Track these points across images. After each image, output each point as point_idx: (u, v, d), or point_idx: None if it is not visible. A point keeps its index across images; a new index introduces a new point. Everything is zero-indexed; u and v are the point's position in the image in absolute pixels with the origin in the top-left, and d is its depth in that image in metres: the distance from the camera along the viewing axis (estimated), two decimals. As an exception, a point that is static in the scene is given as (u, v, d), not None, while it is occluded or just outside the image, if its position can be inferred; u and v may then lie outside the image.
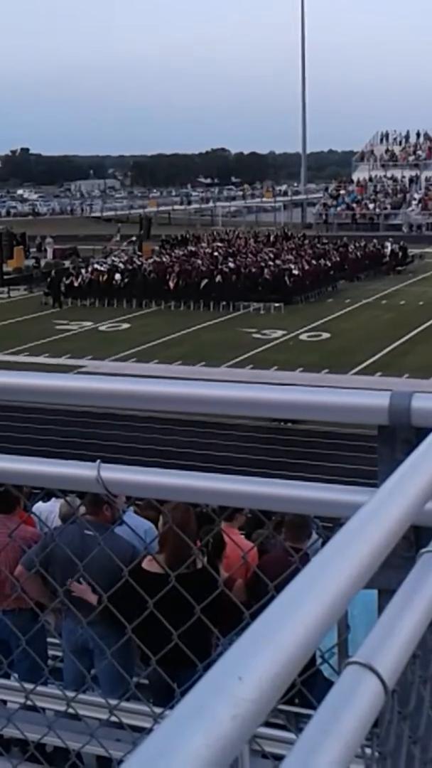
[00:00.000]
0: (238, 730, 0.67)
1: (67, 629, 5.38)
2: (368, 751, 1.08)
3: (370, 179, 74.00)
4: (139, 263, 45.23)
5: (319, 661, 3.06)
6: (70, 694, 3.14)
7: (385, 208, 68.97)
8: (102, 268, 43.89)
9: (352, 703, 0.80)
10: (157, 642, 2.40)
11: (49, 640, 5.74)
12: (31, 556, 5.26)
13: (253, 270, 40.92)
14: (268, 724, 3.55)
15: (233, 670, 0.71)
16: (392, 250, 50.47)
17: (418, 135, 79.56)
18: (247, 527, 7.96)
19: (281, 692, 0.74)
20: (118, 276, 42.06)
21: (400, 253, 50.57)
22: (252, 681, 0.70)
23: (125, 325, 36.54)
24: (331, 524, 1.55)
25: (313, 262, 43.69)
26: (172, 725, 0.64)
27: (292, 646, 0.76)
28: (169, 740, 0.63)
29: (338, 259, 45.80)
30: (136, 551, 4.91)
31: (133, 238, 55.15)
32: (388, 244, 51.01)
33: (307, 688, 1.83)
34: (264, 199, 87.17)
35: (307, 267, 42.24)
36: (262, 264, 42.03)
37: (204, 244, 53.17)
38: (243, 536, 7.44)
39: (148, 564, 4.83)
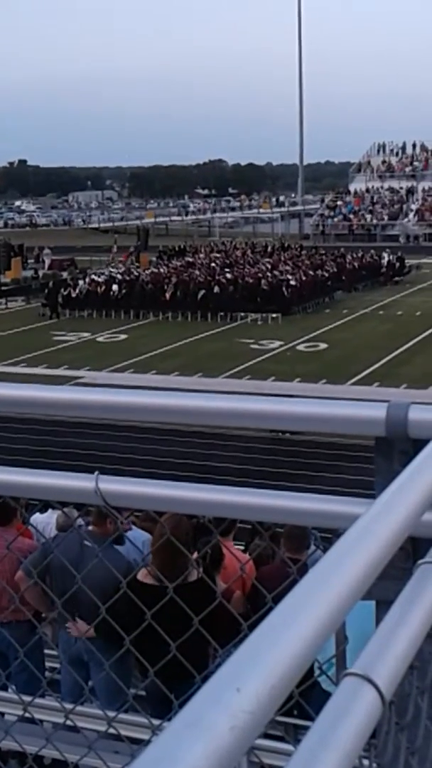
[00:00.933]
0: (237, 741, 0.67)
1: (63, 641, 5.38)
2: (366, 762, 1.08)
3: (367, 190, 74.18)
4: (136, 274, 45.28)
5: (317, 672, 3.06)
6: (68, 706, 3.13)
7: (382, 219, 69.14)
8: (99, 279, 43.94)
9: (350, 715, 0.80)
10: (153, 653, 2.39)
11: (47, 651, 5.73)
12: (31, 562, 5.25)
13: (251, 281, 40.97)
14: (266, 736, 3.54)
15: (231, 682, 0.71)
16: (389, 261, 50.56)
17: (414, 146, 79.80)
18: (246, 538, 7.95)
19: (279, 704, 0.74)
20: (115, 287, 42.10)
21: (398, 264, 50.65)
22: (250, 692, 0.70)
23: (123, 336, 36.56)
24: (329, 535, 1.56)
25: (311, 272, 43.75)
26: (170, 737, 0.65)
27: (289, 658, 0.76)
28: (167, 752, 0.63)
29: (335, 269, 45.87)
30: (131, 566, 4.91)
31: (132, 249, 55.21)
32: (386, 255, 51.10)
33: (305, 699, 1.83)
34: (261, 210, 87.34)
35: (304, 278, 42.29)
36: (260, 275, 42.08)
37: (201, 255, 53.24)
38: (242, 547, 7.43)
39: (143, 575, 4.83)
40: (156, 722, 2.79)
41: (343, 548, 0.96)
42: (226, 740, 0.66)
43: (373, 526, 1.03)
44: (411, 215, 69.52)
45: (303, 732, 0.74)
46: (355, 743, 0.77)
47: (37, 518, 7.38)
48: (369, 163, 78.85)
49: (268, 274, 42.33)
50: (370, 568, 0.95)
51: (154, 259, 53.28)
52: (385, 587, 1.19)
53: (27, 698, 2.96)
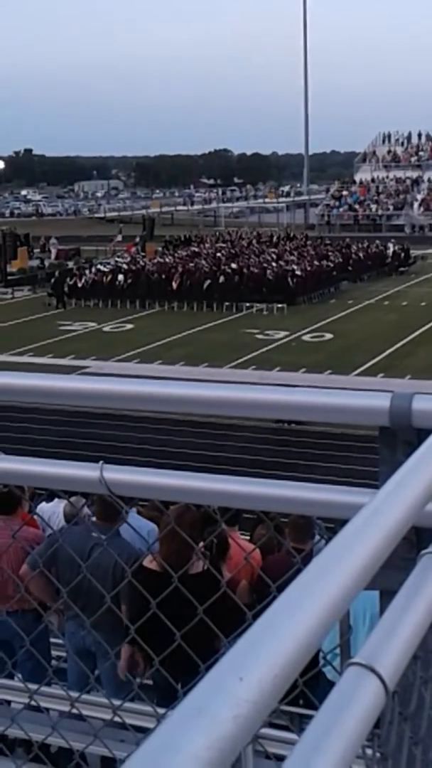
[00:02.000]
0: (239, 730, 0.67)
1: (69, 632, 5.39)
2: (369, 751, 1.09)
3: (373, 180, 73.95)
4: (142, 264, 45.24)
5: (321, 662, 3.06)
6: (74, 694, 3.15)
7: (388, 209, 68.94)
8: (105, 269, 43.91)
9: (353, 704, 0.80)
10: (159, 643, 2.40)
11: (53, 640, 5.75)
12: (37, 555, 5.26)
13: (256, 271, 40.91)
14: (271, 725, 3.56)
15: (234, 671, 0.71)
16: (395, 251, 50.44)
17: (420, 136, 79.49)
18: (250, 529, 7.96)
19: (282, 693, 0.74)
20: (121, 277, 42.07)
21: (403, 254, 50.54)
22: (253, 682, 0.70)
23: (129, 326, 36.56)
24: (333, 525, 1.56)
25: (316, 263, 43.68)
26: (172, 726, 0.65)
27: (293, 647, 0.76)
28: (169, 740, 0.63)
29: (341, 260, 45.78)
30: (139, 554, 4.91)
31: (137, 239, 55.11)
32: (391, 245, 50.97)
33: (309, 689, 1.83)
34: (267, 200, 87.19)
35: (309, 268, 42.23)
36: (265, 265, 42.02)
37: (207, 245, 53.16)
38: (247, 538, 7.44)
39: (148, 562, 4.84)
40: (161, 711, 2.80)
41: (347, 538, 0.96)
42: (228, 729, 0.66)
43: (377, 516, 1.03)
44: (416, 205, 69.30)
45: (308, 721, 0.74)
46: (358, 733, 0.77)
47: (43, 507, 7.39)
48: (374, 153, 78.57)
49: (274, 264, 42.26)
50: (374, 557, 0.95)
51: (159, 248, 53.20)
52: (388, 577, 1.19)
53: (33, 686, 2.97)
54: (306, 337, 33.06)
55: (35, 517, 6.09)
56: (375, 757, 1.11)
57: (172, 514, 4.37)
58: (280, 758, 2.88)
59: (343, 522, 1.04)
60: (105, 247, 55.84)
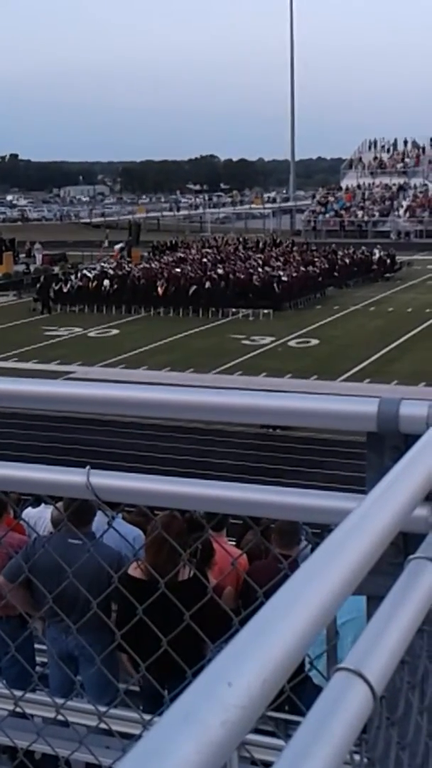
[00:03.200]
0: (228, 735, 0.67)
1: (51, 637, 5.37)
2: (357, 757, 1.09)
3: (359, 186, 74.23)
4: (128, 269, 45.21)
5: (308, 667, 3.06)
6: (60, 701, 3.13)
7: (374, 216, 69.21)
8: (91, 275, 43.86)
9: (341, 709, 0.80)
10: (145, 649, 2.39)
11: (36, 646, 5.73)
12: (13, 566, 5.22)
13: (242, 276, 40.96)
14: (257, 731, 3.55)
15: (222, 676, 0.71)
16: (380, 257, 50.60)
17: (405, 143, 79.88)
18: (237, 534, 7.96)
19: (270, 698, 0.74)
20: (107, 282, 42.03)
21: (389, 260, 50.69)
22: (241, 687, 0.70)
23: (114, 331, 36.52)
24: (320, 530, 1.56)
25: (302, 268, 43.76)
26: (161, 731, 0.65)
27: (280, 652, 0.76)
28: (158, 746, 0.63)
29: (327, 265, 45.89)
30: (123, 559, 4.90)
31: (122, 244, 55.07)
32: (377, 251, 51.14)
33: (296, 694, 1.83)
34: (253, 206, 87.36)
35: (295, 273, 42.30)
36: (251, 270, 42.06)
37: (193, 251, 53.18)
38: (234, 543, 7.44)
39: (133, 570, 4.83)
40: (147, 717, 2.79)
41: (335, 543, 0.96)
42: (217, 734, 0.66)
43: (364, 522, 1.03)
44: (402, 211, 69.59)
45: (294, 727, 0.74)
46: (346, 738, 0.77)
47: (29, 512, 7.37)
48: (360, 159, 78.88)
49: (260, 270, 42.31)
50: (361, 563, 0.96)
51: (145, 254, 53.18)
52: (376, 582, 1.19)
53: (18, 693, 2.96)
54: (292, 343, 33.10)
55: (21, 522, 6.07)
56: (363, 763, 1.11)
57: (159, 522, 4.37)
58: (267, 764, 2.87)
59: (330, 528, 1.04)
60: (91, 252, 55.79)
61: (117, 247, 52.50)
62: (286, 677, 0.77)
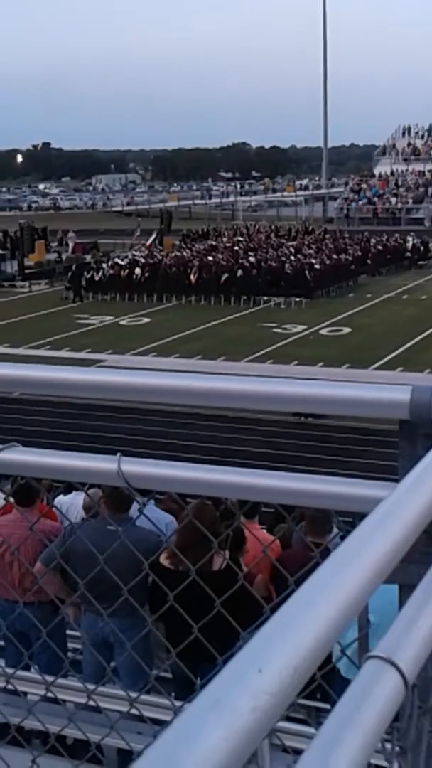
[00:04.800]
0: (258, 722, 0.67)
1: (87, 622, 5.40)
2: (388, 745, 1.08)
3: (392, 173, 73.63)
4: (159, 258, 45.23)
5: (339, 655, 3.05)
6: (91, 686, 3.15)
7: (407, 203, 68.63)
8: (122, 263, 43.93)
9: (372, 698, 0.80)
10: (178, 636, 2.40)
11: (69, 632, 5.77)
12: (51, 552, 5.26)
13: (274, 264, 40.83)
14: (288, 719, 3.55)
15: (253, 663, 0.71)
16: (414, 245, 50.22)
17: (440, 129, 79.09)
18: (268, 522, 7.97)
19: (300, 685, 0.74)
20: (138, 270, 42.08)
21: (422, 248, 50.31)
22: (271, 674, 0.70)
23: (145, 320, 36.58)
24: (351, 519, 1.55)
25: (334, 256, 43.53)
26: (190, 717, 0.64)
27: (311, 640, 0.76)
28: (187, 732, 0.63)
29: (359, 253, 45.62)
30: (162, 543, 4.92)
31: (154, 235, 55.06)
32: (410, 239, 50.75)
33: (327, 682, 1.83)
34: (285, 194, 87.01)
35: (328, 261, 42.09)
36: (283, 258, 41.92)
37: (225, 239, 53.09)
38: (265, 531, 7.44)
39: (165, 559, 4.85)
40: (178, 704, 2.80)
41: (367, 531, 0.96)
42: (247, 721, 0.66)
43: (397, 510, 1.02)
44: (436, 198, 68.94)
45: (325, 715, 0.74)
46: (377, 726, 0.77)
47: (61, 500, 7.42)
48: (394, 146, 78.22)
49: (292, 257, 42.15)
50: (393, 551, 0.95)
51: (177, 242, 53.15)
52: (408, 571, 1.18)
53: (49, 678, 2.98)
54: (324, 331, 32.97)
55: (53, 509, 6.11)
56: (394, 751, 1.10)
57: (191, 510, 4.37)
58: (298, 752, 2.87)
59: (362, 516, 1.03)
60: (122, 240, 55.85)
61: (149, 241, 52.46)
62: (317, 665, 0.76)
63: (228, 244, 49.19)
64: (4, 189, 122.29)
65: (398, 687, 0.83)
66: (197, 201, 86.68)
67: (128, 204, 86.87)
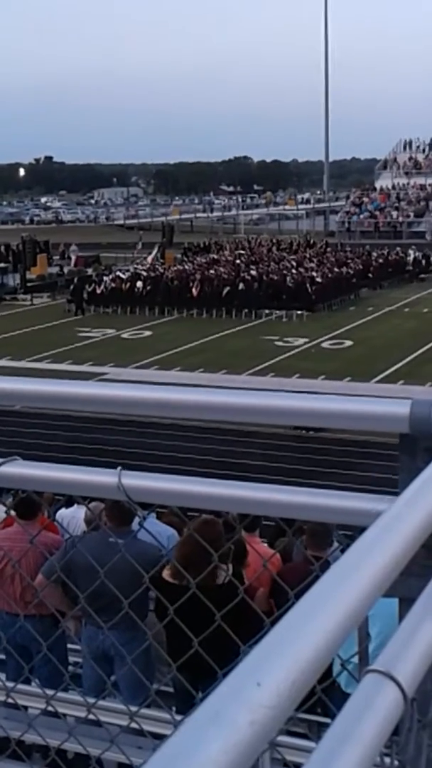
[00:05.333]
0: (256, 736, 0.67)
1: (87, 636, 5.39)
2: (387, 759, 1.08)
3: (393, 187, 73.75)
4: (161, 271, 45.31)
5: (337, 669, 3.05)
6: (91, 700, 3.15)
7: (408, 216, 68.72)
8: (124, 276, 44.02)
9: (372, 711, 0.80)
10: (179, 650, 2.40)
11: (69, 646, 5.76)
12: (52, 564, 5.25)
13: (276, 278, 40.88)
14: (289, 733, 3.54)
15: (251, 677, 0.71)
16: (415, 258, 50.29)
17: (441, 143, 79.26)
18: (269, 536, 7.95)
19: (299, 699, 0.74)
20: (140, 283, 42.15)
21: (423, 261, 50.38)
22: (270, 687, 0.70)
23: (147, 333, 36.61)
24: (351, 532, 1.55)
25: (336, 269, 43.60)
26: (189, 731, 0.65)
27: (310, 653, 0.76)
28: (186, 745, 0.63)
29: (361, 267, 45.70)
30: (162, 555, 4.91)
31: (155, 251, 55.15)
32: (411, 252, 50.83)
33: (328, 696, 1.82)
34: (286, 207, 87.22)
35: (329, 275, 42.15)
36: (285, 272, 41.97)
37: (226, 252, 53.17)
38: (266, 545, 7.43)
39: (167, 574, 4.84)
40: (178, 717, 2.80)
41: (365, 545, 0.96)
42: (245, 735, 0.66)
43: (396, 523, 1.03)
44: (437, 212, 69.04)
45: (326, 730, 0.73)
46: (376, 740, 0.77)
47: (62, 513, 7.41)
48: (395, 159, 78.38)
49: (293, 271, 42.21)
50: (392, 564, 0.95)
51: (179, 255, 53.25)
52: (407, 584, 1.18)
53: (50, 692, 2.98)
54: (325, 344, 32.99)
55: (54, 522, 6.10)
56: (393, 765, 1.10)
57: (194, 525, 4.37)
58: (298, 766, 2.87)
59: (362, 529, 1.03)
60: (124, 254, 55.97)
61: (150, 257, 52.52)
62: (316, 678, 0.77)
63: (230, 258, 49.28)
64: (5, 203, 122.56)
65: (397, 701, 0.83)
66: (199, 214, 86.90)
67: (132, 217, 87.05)
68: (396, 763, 1.11)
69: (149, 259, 51.74)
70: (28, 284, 47.28)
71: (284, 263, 45.20)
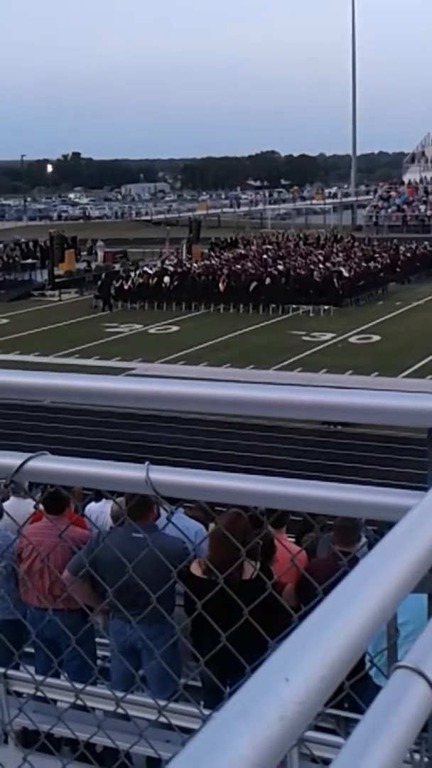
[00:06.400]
0: (285, 731, 0.67)
1: (115, 629, 5.41)
2: (417, 756, 1.07)
3: (421, 181, 73.29)
4: (188, 266, 45.34)
5: (368, 665, 3.04)
6: (120, 694, 3.16)
7: (437, 210, 68.28)
8: (151, 271, 44.10)
9: (400, 708, 0.80)
10: (208, 644, 2.40)
11: (97, 640, 5.78)
12: (78, 560, 5.28)
13: (303, 272, 40.79)
14: (317, 728, 3.54)
15: (280, 672, 0.71)
16: (443, 252, 49.97)
17: (470, 135, 78.63)
18: (297, 531, 7.94)
19: (328, 695, 0.74)
20: (167, 279, 42.21)
21: (452, 255, 50.07)
22: (299, 683, 0.70)
23: (174, 328, 36.67)
24: (377, 527, 1.54)
25: (363, 264, 43.43)
26: (218, 726, 0.65)
27: (338, 649, 0.75)
28: (215, 741, 0.63)
29: (388, 261, 45.47)
30: (188, 549, 4.92)
31: (183, 244, 55.22)
32: (440, 246, 50.52)
33: (356, 692, 1.82)
34: (314, 202, 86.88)
35: (357, 269, 42.00)
36: (312, 266, 41.88)
37: (253, 247, 53.11)
38: (293, 540, 7.42)
39: (195, 569, 4.85)
40: (206, 712, 2.80)
41: (394, 540, 0.95)
42: (274, 730, 0.66)
43: (425, 519, 1.02)
44: (466, 206, 68.55)
45: (354, 725, 0.73)
46: (405, 736, 0.77)
47: (91, 507, 7.44)
48: (423, 153, 77.86)
49: (321, 265, 42.10)
50: (421, 560, 0.95)
51: (206, 251, 53.26)
52: (437, 580, 1.18)
53: (79, 685, 2.99)
54: (353, 339, 32.88)
55: (83, 516, 6.13)
56: (423, 762, 1.09)
57: (223, 520, 4.38)
58: (326, 761, 2.86)
59: (390, 524, 1.03)
60: (152, 249, 56.09)
61: (165, 248, 52.68)
62: (345, 674, 0.76)
63: (257, 253, 49.22)
64: (29, 198, 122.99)
65: (426, 697, 0.83)
66: (226, 209, 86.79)
67: (163, 212, 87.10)
68: (426, 759, 1.10)
69: (165, 250, 51.86)
70: (56, 280, 47.49)
71: (311, 258, 45.10)
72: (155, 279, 42.56)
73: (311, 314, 37.78)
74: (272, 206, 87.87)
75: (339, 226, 68.32)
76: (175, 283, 41.88)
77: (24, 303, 44.60)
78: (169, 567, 2.58)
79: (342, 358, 29.40)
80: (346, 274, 40.57)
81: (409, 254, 48.17)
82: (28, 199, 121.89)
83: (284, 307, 38.50)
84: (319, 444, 19.75)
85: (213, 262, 46.61)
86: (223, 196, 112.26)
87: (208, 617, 2.19)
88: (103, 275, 44.38)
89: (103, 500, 7.24)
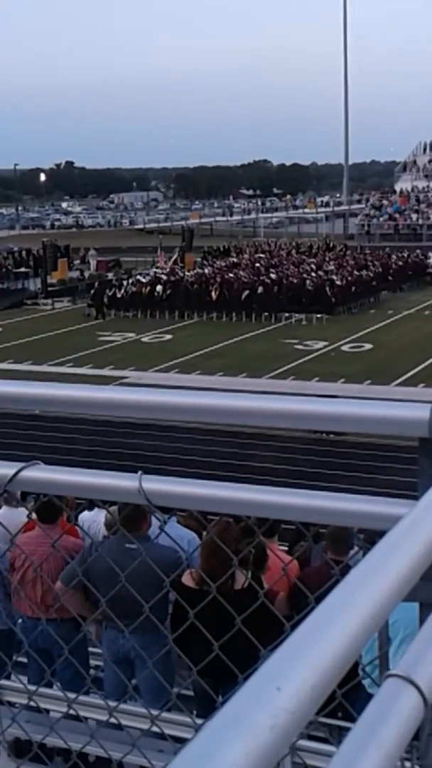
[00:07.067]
0: (277, 740, 0.67)
1: (108, 639, 5.40)
2: (408, 764, 1.08)
3: (413, 189, 73.52)
4: (181, 275, 45.37)
5: (360, 674, 3.04)
6: (113, 703, 3.15)
7: (428, 219, 68.44)
8: (144, 280, 44.12)
9: (392, 716, 0.80)
10: (200, 654, 2.40)
11: (90, 649, 5.77)
12: (71, 571, 5.26)
13: (295, 281, 40.86)
14: (310, 737, 3.53)
15: (272, 681, 0.71)
16: (435, 261, 50.08)
17: (461, 145, 78.92)
18: (289, 540, 7.94)
19: (319, 703, 0.74)
20: (160, 288, 42.23)
21: (444, 264, 50.18)
22: (290, 691, 0.71)
23: (167, 337, 36.68)
24: (368, 535, 1.55)
25: (355, 272, 43.52)
26: (210, 734, 0.65)
27: (330, 657, 0.76)
28: (207, 749, 0.63)
29: (380, 269, 45.58)
30: (181, 558, 4.91)
31: (175, 255, 55.21)
32: (431, 255, 50.63)
33: (349, 701, 1.82)
34: (306, 210, 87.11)
35: (349, 278, 42.08)
36: (304, 275, 41.95)
37: (246, 256, 53.17)
38: (285, 549, 7.42)
39: (187, 579, 4.84)
40: (199, 721, 2.80)
41: (385, 549, 0.96)
42: (266, 739, 0.66)
43: (416, 527, 1.03)
44: (457, 214, 68.74)
45: (347, 734, 0.74)
46: (396, 744, 0.77)
47: (84, 516, 7.43)
48: (415, 162, 78.13)
49: (313, 274, 42.17)
50: (413, 569, 0.95)
51: (198, 259, 53.30)
52: (428, 589, 1.18)
53: (72, 695, 2.99)
54: (345, 348, 32.93)
55: (75, 526, 6.12)
56: (414, 770, 1.10)
57: (214, 530, 4.37)
58: (319, 771, 2.86)
59: (381, 533, 1.03)
60: (144, 258, 56.12)
61: (160, 257, 52.67)
62: (336, 682, 0.77)
63: (249, 261, 49.28)
64: (22, 207, 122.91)
65: (417, 705, 0.83)
66: (218, 218, 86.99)
67: (156, 221, 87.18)
68: (417, 767, 1.11)
69: (159, 259, 51.84)
70: (49, 289, 47.49)
71: (304, 266, 45.18)
72: (148, 288, 42.58)
73: (303, 322, 37.84)
74: (265, 215, 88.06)
75: (331, 235, 68.41)
76: (168, 291, 41.90)
77: (17, 312, 44.57)
78: (162, 577, 2.58)
79: (334, 366, 29.44)
80: (338, 282, 40.64)
81: (400, 263, 48.29)
82: (21, 207, 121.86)
83: (277, 316, 38.56)
84: (309, 452, 19.75)
85: (206, 270, 46.65)
86: (215, 205, 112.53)
87: (202, 627, 2.19)
88: (96, 284, 44.39)
89: (96, 509, 7.23)
